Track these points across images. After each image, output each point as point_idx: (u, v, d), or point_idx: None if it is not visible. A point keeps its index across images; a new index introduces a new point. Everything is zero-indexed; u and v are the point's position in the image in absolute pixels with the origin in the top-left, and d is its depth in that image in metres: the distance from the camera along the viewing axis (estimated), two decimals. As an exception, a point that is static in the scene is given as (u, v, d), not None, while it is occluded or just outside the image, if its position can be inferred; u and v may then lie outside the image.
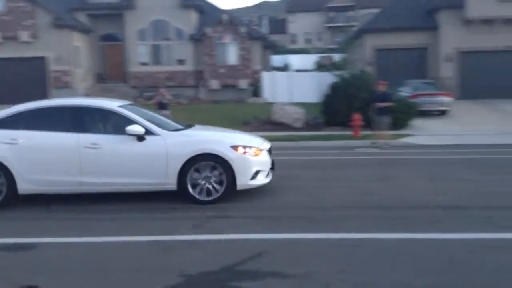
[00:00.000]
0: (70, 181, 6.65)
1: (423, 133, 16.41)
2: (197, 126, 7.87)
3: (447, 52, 24.65)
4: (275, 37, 47.14)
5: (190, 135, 7.07)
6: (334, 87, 18.29)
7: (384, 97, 14.02)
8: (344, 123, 16.88)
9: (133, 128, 6.53)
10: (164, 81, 23.62)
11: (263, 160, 6.95)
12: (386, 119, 14.06)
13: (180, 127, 7.38)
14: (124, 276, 4.20)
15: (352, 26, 50.33)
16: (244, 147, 6.78)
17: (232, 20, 28.10)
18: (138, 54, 28.35)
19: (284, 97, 24.01)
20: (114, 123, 6.88)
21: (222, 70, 27.63)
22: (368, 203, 6.65)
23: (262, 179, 6.94)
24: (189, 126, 7.64)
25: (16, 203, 6.75)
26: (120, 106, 7.02)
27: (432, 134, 16.17)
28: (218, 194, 6.60)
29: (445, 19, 24.77)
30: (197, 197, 6.59)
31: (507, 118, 19.08)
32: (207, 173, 6.60)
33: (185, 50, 28.16)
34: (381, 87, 14.22)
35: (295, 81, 26.15)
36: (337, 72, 19.27)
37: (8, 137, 6.64)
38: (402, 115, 17.15)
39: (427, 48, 25.63)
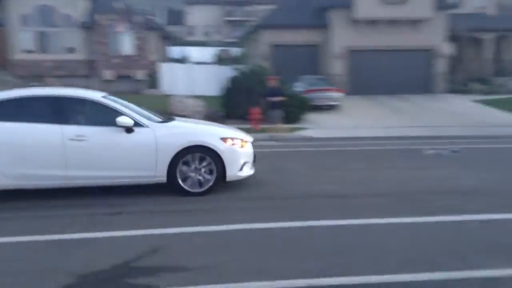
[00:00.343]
0: (54, 175, 6.29)
1: (318, 127, 17.24)
2: (178, 119, 7.74)
3: (337, 50, 26.05)
4: (173, 29, 46.32)
5: (178, 127, 7.00)
6: (234, 81, 18.49)
7: (276, 92, 14.49)
8: (244, 117, 17.14)
9: (122, 120, 6.34)
10: (51, 70, 22.07)
11: (248, 152, 7.10)
12: (278, 113, 14.58)
13: (164, 119, 7.18)
14: (9, 281, 3.87)
15: (250, 21, 51.11)
16: (232, 139, 6.84)
17: (127, 9, 27.05)
18: (22, 41, 26.21)
19: (183, 89, 23.73)
20: (100, 115, 6.57)
21: (116, 60, 26.54)
22: (259, 194, 6.83)
23: (248, 171, 7.07)
24: (171, 118, 7.46)
25: None
26: (103, 97, 6.72)
27: (326, 128, 17.05)
28: (208, 186, 6.61)
29: (334, 18, 26.13)
30: (187, 189, 6.55)
31: (391, 113, 20.74)
32: (196, 165, 6.57)
33: (75, 38, 26.59)
34: (273, 82, 14.67)
35: (194, 74, 25.96)
36: (237, 66, 19.49)
37: None
38: (296, 109, 17.87)
39: (319, 46, 26.86)
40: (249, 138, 7.35)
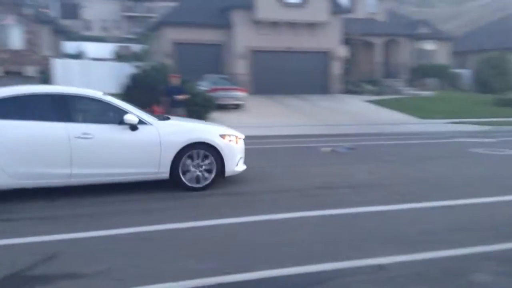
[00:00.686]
0: (59, 173, 6.16)
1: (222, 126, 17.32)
2: (174, 117, 7.90)
3: (239, 50, 26.39)
4: (68, 22, 43.74)
5: (179, 125, 7.20)
6: (134, 78, 17.97)
7: (178, 90, 14.36)
8: (145, 116, 16.73)
9: (129, 118, 6.40)
10: None
11: (242, 148, 7.46)
12: (181, 112, 14.45)
13: (162, 117, 7.32)
14: None
15: (151, 17, 49.92)
16: (229, 135, 7.14)
17: (15, 0, 25.08)
18: None
19: (79, 86, 22.50)
20: (104, 112, 6.62)
21: (4, 55, 24.50)
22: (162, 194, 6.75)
23: (242, 166, 7.42)
24: (167, 117, 7.47)
25: None
26: (104, 95, 6.74)
27: (229, 127, 17.16)
28: (208, 181, 6.85)
29: (237, 18, 26.44)
30: (189, 184, 6.72)
31: (291, 112, 21.49)
32: (198, 161, 6.78)
33: (-44, 29, 24.14)
34: (175, 80, 14.53)
35: (91, 70, 24.75)
36: (137, 63, 18.95)
37: None
38: (201, 108, 17.81)
39: (223, 45, 27.02)
40: (241, 135, 7.58)
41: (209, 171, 6.89)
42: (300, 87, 26.70)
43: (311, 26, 26.96)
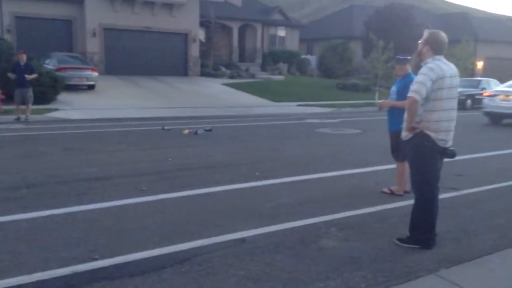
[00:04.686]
0: None
1: (71, 108, 16.25)
2: None
3: (91, 27, 24.82)
4: None
5: None
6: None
7: (27, 69, 13.15)
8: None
9: None
10: None
11: None
12: (30, 92, 13.29)
13: None
14: None
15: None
16: None
17: None
18: None
19: None
20: None
21: None
22: (11, 183, 6.18)
23: None
24: None
25: None
26: None
27: (80, 109, 16.19)
28: None
29: (89, -7, 24.79)
30: None
31: (149, 94, 21.01)
32: None
33: None
34: (23, 57, 13.26)
35: None
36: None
37: None
38: (49, 88, 16.47)
39: (73, 21, 25.14)
40: None
41: None
42: (157, 69, 26.20)
43: (169, 6, 26.47)
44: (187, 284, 3.39)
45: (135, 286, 3.35)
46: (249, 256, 3.92)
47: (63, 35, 24.95)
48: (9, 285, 3.33)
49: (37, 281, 3.39)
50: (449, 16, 44.29)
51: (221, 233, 4.42)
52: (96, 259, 3.79)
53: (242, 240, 4.28)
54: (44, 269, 3.58)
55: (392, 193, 5.98)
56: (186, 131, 11.50)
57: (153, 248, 4.04)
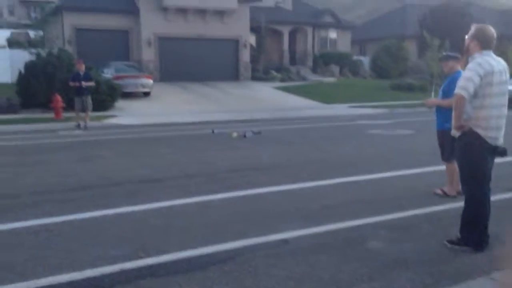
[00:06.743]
0: None
1: (128, 114, 16.88)
2: None
3: (147, 37, 25.71)
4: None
5: None
6: (31, 66, 16.86)
7: (85, 77, 13.78)
8: (45, 105, 15.84)
9: None
10: None
11: None
12: (89, 100, 13.90)
13: None
14: None
15: (50, 2, 46.83)
16: None
17: None
18: None
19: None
20: None
21: None
22: (67, 185, 6.50)
23: None
24: None
25: None
26: None
27: (136, 115, 16.79)
28: None
29: (144, 4, 25.68)
30: None
31: (201, 99, 21.45)
32: None
33: None
34: (80, 67, 13.91)
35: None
36: (34, 50, 17.79)
37: None
38: (107, 96, 17.21)
39: (129, 31, 26.14)
40: None
41: None
42: (209, 75, 26.69)
43: (220, 13, 26.96)
44: (229, 283, 3.43)
45: (179, 284, 3.42)
46: (292, 257, 3.90)
47: (120, 45, 25.98)
48: (61, 281, 3.50)
49: (87, 278, 3.55)
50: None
51: (265, 234, 4.43)
52: (141, 257, 3.91)
53: (285, 241, 4.27)
54: (94, 266, 3.73)
55: (444, 194, 5.76)
56: (235, 134, 11.63)
57: (198, 247, 4.11)
